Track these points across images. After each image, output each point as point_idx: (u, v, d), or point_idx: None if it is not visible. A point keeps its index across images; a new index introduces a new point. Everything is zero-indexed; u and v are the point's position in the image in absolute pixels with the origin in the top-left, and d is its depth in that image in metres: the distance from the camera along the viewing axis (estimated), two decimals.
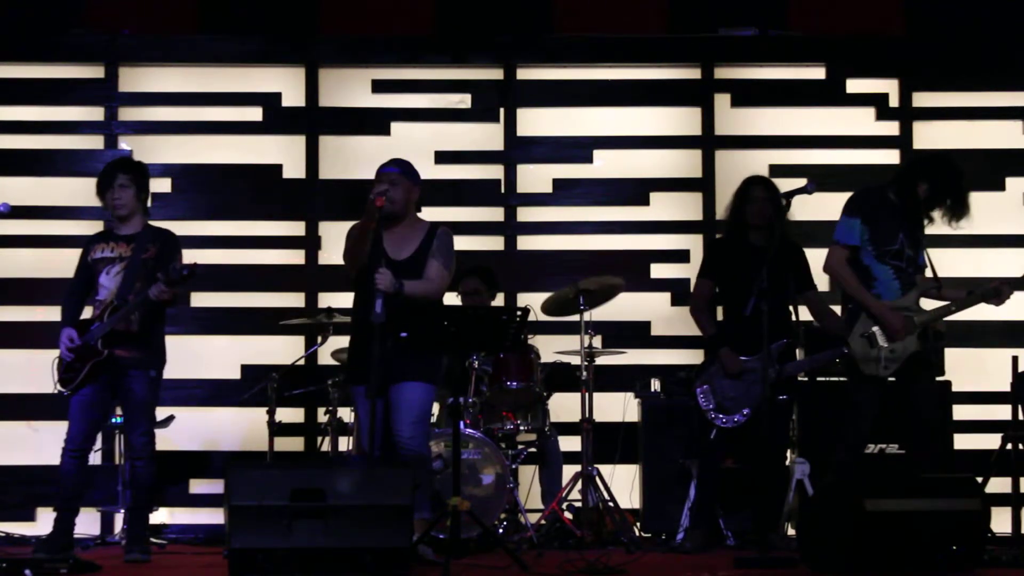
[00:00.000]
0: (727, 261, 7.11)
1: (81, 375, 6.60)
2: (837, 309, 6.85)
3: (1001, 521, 7.33)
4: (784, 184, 6.86)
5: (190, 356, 8.54)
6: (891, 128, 8.68)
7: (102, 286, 6.72)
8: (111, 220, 6.95)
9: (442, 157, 8.67)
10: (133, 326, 6.63)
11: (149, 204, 7.00)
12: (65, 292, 6.87)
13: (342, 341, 7.71)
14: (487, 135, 8.74)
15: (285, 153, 8.70)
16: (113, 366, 6.62)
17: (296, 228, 8.65)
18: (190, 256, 8.51)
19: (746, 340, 6.96)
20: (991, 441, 7.82)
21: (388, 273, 6.20)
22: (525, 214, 8.70)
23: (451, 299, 7.72)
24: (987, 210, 8.51)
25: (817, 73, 8.74)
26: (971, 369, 8.32)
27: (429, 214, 6.71)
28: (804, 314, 6.98)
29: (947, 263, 8.34)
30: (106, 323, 6.60)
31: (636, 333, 8.39)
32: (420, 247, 6.46)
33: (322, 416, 8.01)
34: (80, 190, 8.47)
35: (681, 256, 8.52)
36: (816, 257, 6.93)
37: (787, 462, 7.76)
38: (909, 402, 6.55)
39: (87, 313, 6.80)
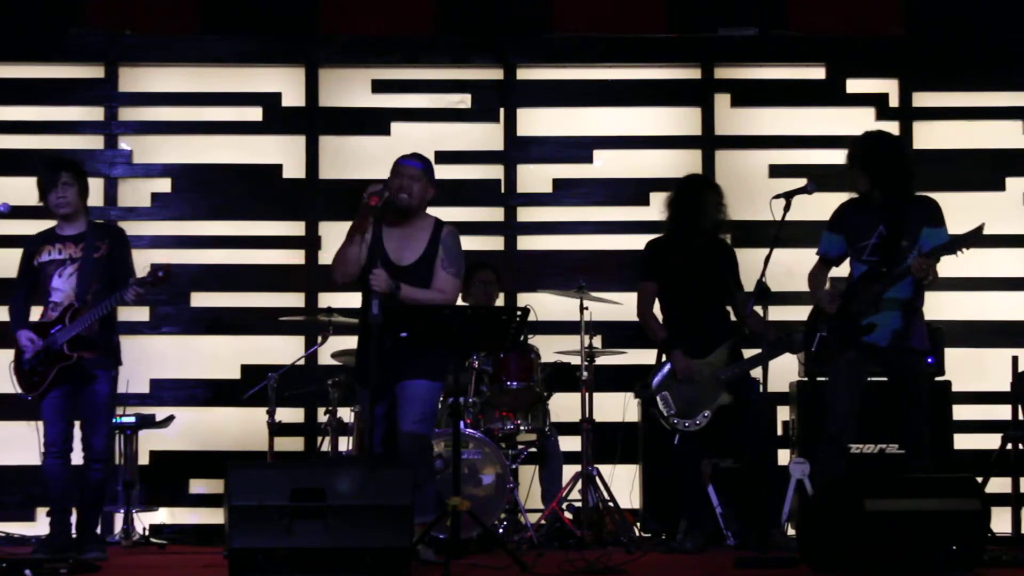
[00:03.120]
0: (669, 262, 7.17)
1: (48, 380, 6.56)
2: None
3: (1001, 521, 7.33)
4: (784, 184, 6.86)
5: (190, 356, 8.56)
6: (891, 128, 8.63)
7: (56, 289, 6.65)
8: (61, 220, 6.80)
9: (442, 157, 8.64)
10: (94, 328, 6.58)
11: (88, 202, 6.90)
12: (13, 297, 6.77)
13: (342, 341, 7.72)
14: (487, 135, 8.74)
15: (285, 153, 8.70)
16: (79, 369, 6.59)
17: (296, 228, 8.66)
18: (189, 256, 8.58)
19: (694, 343, 7.03)
20: (991, 441, 7.82)
21: (383, 274, 6.17)
22: (525, 214, 8.71)
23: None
24: (987, 210, 8.54)
25: (817, 73, 8.74)
26: (971, 369, 8.32)
27: (429, 214, 6.70)
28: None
29: (947, 263, 8.36)
30: (71, 327, 6.54)
31: (636, 333, 8.38)
32: (426, 251, 6.40)
33: (322, 416, 8.01)
34: None
35: None
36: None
37: (786, 461, 7.81)
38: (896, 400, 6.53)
39: (34, 315, 6.74)
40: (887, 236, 6.41)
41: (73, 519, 6.76)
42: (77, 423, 6.73)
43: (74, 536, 6.70)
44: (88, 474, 6.66)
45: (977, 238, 6.23)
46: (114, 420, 7.81)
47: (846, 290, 6.50)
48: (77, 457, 6.75)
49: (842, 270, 6.72)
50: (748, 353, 7.14)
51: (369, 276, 6.16)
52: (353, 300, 6.62)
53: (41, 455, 6.67)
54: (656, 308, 7.33)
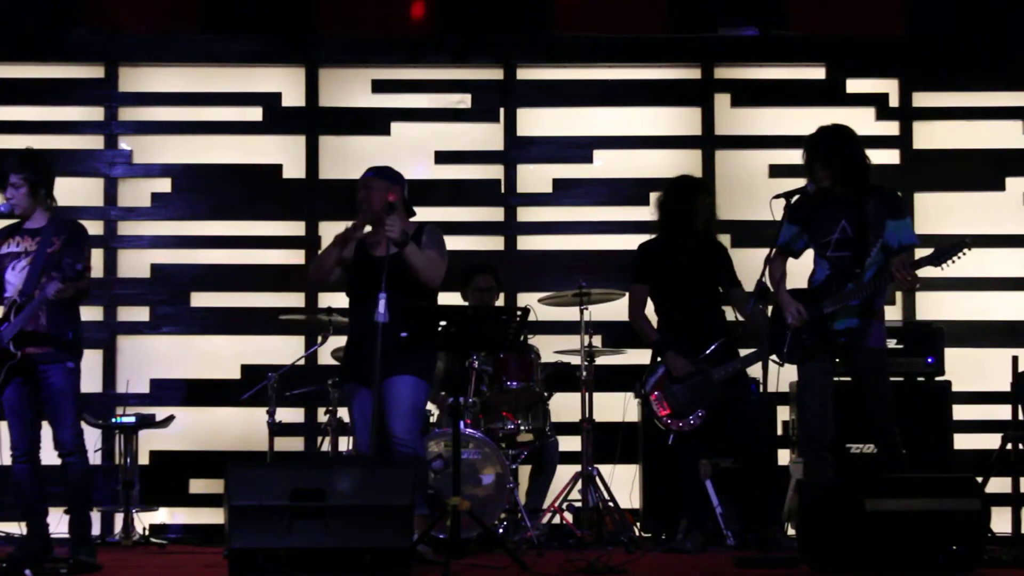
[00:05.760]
0: (662, 264, 7.19)
1: (0, 379, 6.43)
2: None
3: (1001, 521, 7.34)
4: (784, 184, 6.85)
5: (190, 356, 8.55)
6: (891, 128, 8.68)
7: (8, 283, 6.54)
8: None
9: (442, 157, 8.67)
10: (42, 322, 6.43)
11: (54, 198, 6.70)
12: None
13: (342, 341, 7.71)
14: (487, 135, 8.74)
15: (285, 153, 8.70)
16: (28, 365, 6.44)
17: (296, 228, 8.65)
18: (189, 256, 8.58)
19: (687, 343, 7.04)
20: (991, 441, 7.82)
21: (398, 223, 6.31)
22: (525, 214, 8.70)
23: (454, 299, 7.72)
24: (987, 210, 8.57)
25: (817, 73, 8.74)
26: (971, 369, 8.32)
27: (429, 214, 6.72)
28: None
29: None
30: (14, 323, 6.39)
31: (636, 333, 8.39)
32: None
33: (322, 416, 8.01)
34: (80, 190, 8.48)
35: None
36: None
37: (786, 461, 7.82)
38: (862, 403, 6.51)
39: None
40: (852, 232, 6.39)
41: (49, 520, 6.67)
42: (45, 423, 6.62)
43: (64, 538, 6.65)
44: (65, 470, 6.52)
45: (961, 250, 6.20)
46: (116, 420, 7.85)
47: (815, 289, 6.48)
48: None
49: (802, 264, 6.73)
50: (742, 352, 7.15)
51: (384, 225, 6.27)
52: None
53: (9, 457, 6.58)
54: (651, 309, 7.34)
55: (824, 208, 6.45)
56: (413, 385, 6.37)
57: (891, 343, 7.56)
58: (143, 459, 8.19)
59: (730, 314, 7.31)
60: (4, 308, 6.54)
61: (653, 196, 8.56)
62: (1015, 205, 8.64)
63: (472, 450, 7.25)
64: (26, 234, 6.61)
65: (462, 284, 7.83)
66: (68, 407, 6.50)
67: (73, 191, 8.40)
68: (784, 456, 7.96)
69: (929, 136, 8.69)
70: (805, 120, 8.62)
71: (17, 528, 7.79)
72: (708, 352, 7.08)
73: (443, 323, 6.12)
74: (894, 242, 6.38)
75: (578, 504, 7.46)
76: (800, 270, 6.74)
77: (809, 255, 6.64)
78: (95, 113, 8.69)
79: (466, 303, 7.83)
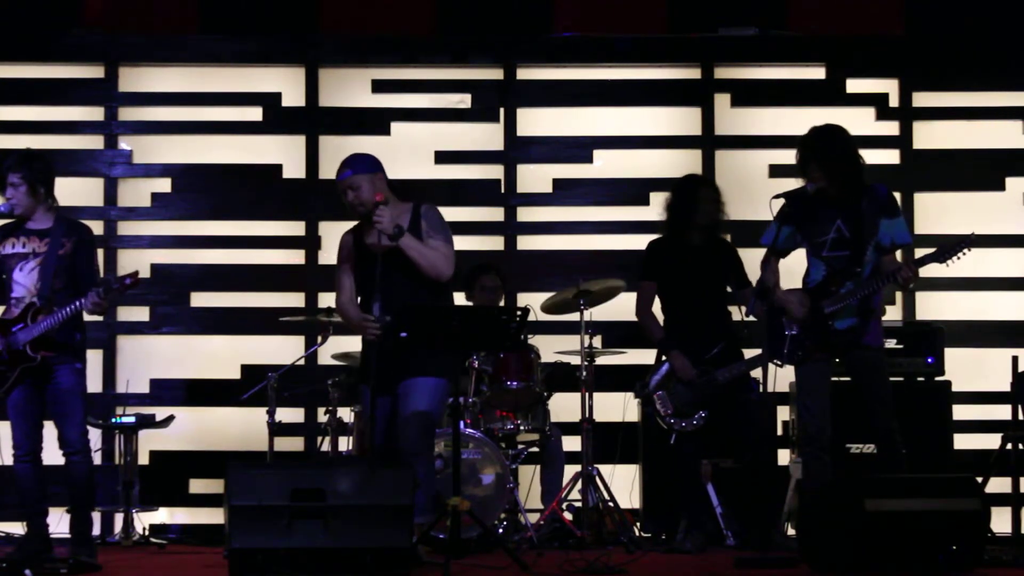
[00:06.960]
0: (668, 262, 7.20)
1: (10, 380, 6.41)
2: None
3: (1001, 521, 7.33)
4: (784, 184, 6.85)
5: (190, 356, 8.55)
6: (891, 128, 8.68)
7: (16, 283, 6.49)
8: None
9: (442, 157, 8.67)
10: (55, 327, 6.40)
11: (55, 197, 6.65)
12: None
13: (342, 341, 7.72)
14: (487, 135, 8.74)
15: (285, 153, 8.70)
16: (41, 368, 6.43)
17: (296, 228, 8.66)
18: (189, 256, 8.58)
19: (692, 343, 7.04)
20: (991, 441, 7.82)
21: (387, 214, 6.11)
22: (525, 214, 8.70)
23: (457, 299, 7.70)
24: (987, 210, 8.56)
25: (817, 73, 8.74)
26: (971, 369, 8.32)
27: None
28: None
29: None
30: (33, 327, 6.36)
31: (636, 333, 8.38)
32: (408, 229, 6.22)
33: (322, 416, 8.01)
34: (80, 190, 8.48)
35: None
36: None
37: (786, 461, 7.82)
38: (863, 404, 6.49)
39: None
40: (849, 232, 6.36)
41: (49, 520, 6.65)
42: (47, 424, 6.59)
43: (64, 538, 6.64)
44: (69, 468, 6.51)
45: (965, 247, 6.19)
46: (116, 420, 7.85)
47: (812, 289, 6.47)
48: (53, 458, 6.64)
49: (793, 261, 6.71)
50: (747, 353, 7.15)
51: (374, 217, 6.09)
52: None
53: (11, 457, 6.56)
54: (657, 308, 7.35)
55: (818, 208, 6.44)
56: (433, 387, 6.18)
57: (891, 343, 7.58)
58: (143, 459, 8.19)
59: (736, 314, 7.30)
60: (15, 309, 6.51)
61: (653, 196, 8.60)
62: (1015, 205, 8.64)
63: (472, 450, 7.25)
64: (32, 234, 6.58)
65: (467, 285, 7.82)
66: (77, 406, 6.52)
67: (73, 191, 8.39)
68: (784, 456, 7.97)
69: (929, 136, 8.69)
70: (805, 120, 8.61)
71: (17, 528, 7.85)
72: (712, 354, 7.08)
73: (443, 322, 6.08)
74: (887, 241, 6.37)
75: (578, 504, 7.46)
76: (797, 270, 6.75)
77: (799, 254, 6.63)
78: (95, 113, 8.70)
79: (470, 303, 7.81)
